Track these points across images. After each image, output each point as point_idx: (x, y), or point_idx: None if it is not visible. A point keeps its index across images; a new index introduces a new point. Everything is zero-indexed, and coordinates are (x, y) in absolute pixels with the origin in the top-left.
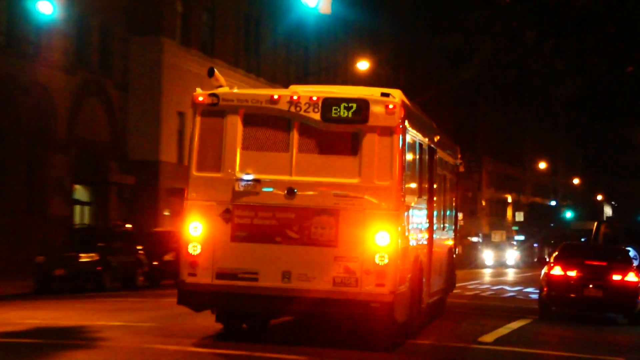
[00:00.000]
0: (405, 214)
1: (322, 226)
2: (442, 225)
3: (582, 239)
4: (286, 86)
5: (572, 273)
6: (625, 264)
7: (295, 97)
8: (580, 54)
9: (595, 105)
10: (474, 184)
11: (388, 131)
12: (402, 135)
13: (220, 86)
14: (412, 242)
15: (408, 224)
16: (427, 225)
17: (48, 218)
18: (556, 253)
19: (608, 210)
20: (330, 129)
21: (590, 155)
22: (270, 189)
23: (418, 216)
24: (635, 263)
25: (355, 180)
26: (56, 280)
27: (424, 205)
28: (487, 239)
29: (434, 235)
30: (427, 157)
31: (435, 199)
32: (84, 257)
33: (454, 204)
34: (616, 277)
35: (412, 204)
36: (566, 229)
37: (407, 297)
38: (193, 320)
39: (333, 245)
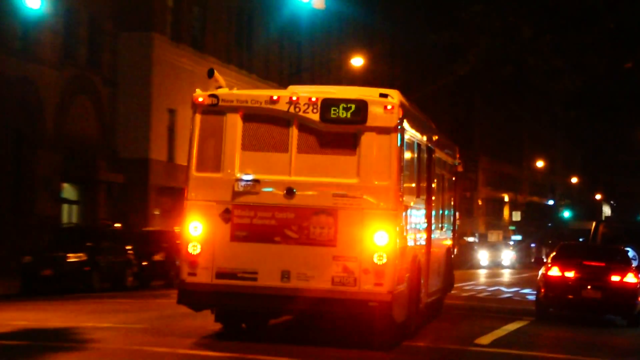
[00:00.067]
0: (404, 213)
1: (321, 226)
2: (440, 225)
3: (581, 239)
4: (279, 82)
5: (570, 274)
6: (624, 265)
7: (294, 98)
8: (579, 51)
9: (595, 103)
10: (472, 184)
11: (386, 131)
12: (401, 136)
13: (220, 87)
14: (411, 242)
15: (406, 223)
16: (426, 225)
17: (35, 217)
18: (554, 253)
19: (607, 210)
20: (329, 129)
21: (589, 153)
22: (270, 189)
23: (416, 216)
24: (634, 264)
25: (354, 180)
26: (43, 281)
27: (423, 205)
28: (483, 239)
29: (432, 235)
30: (425, 157)
31: (433, 198)
32: (72, 257)
33: (452, 204)
34: (615, 278)
35: (411, 204)
36: (564, 229)
37: (405, 297)
38: (184, 322)
39: (332, 245)
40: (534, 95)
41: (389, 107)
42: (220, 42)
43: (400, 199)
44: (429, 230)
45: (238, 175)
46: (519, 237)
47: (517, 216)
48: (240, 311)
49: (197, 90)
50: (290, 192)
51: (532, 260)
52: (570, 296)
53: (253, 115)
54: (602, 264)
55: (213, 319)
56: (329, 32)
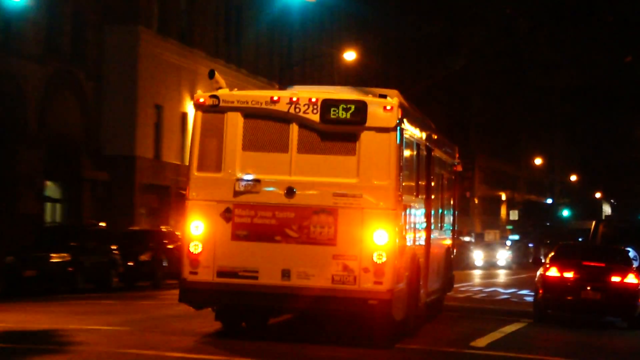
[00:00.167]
0: (403, 213)
1: (321, 225)
2: (439, 225)
3: (580, 239)
4: (269, 77)
5: (569, 274)
6: (624, 265)
7: (294, 98)
8: (577, 45)
9: (594, 99)
10: (470, 183)
11: (386, 131)
12: (400, 136)
13: (220, 87)
14: (410, 241)
15: (406, 223)
16: (425, 224)
17: (17, 216)
18: (552, 253)
19: (607, 209)
20: (329, 129)
21: (588, 151)
22: (270, 189)
23: (416, 215)
24: (635, 264)
25: (353, 180)
26: (26, 282)
27: (422, 205)
28: (480, 239)
29: (432, 235)
30: (424, 156)
31: (433, 198)
32: (55, 257)
33: (451, 204)
34: (615, 279)
35: (410, 204)
36: (563, 228)
37: (404, 295)
38: (170, 324)
39: (332, 244)
40: (531, 90)
41: (388, 107)
42: (208, 35)
43: (400, 199)
44: (428, 229)
45: (239, 175)
46: (516, 237)
47: (514, 215)
48: (240, 310)
49: (198, 91)
50: (290, 192)
51: (530, 260)
52: (569, 297)
53: (253, 116)
54: (602, 265)
55: (200, 321)
56: (320, 26)
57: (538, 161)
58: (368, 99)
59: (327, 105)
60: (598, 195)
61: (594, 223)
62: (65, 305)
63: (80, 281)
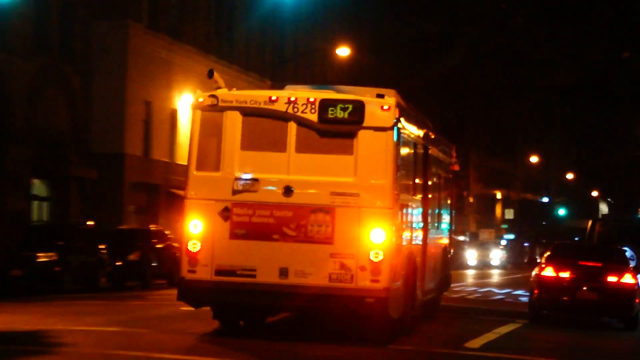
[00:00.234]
0: (400, 212)
1: (319, 224)
2: (436, 224)
3: (576, 238)
4: (261, 73)
5: (565, 274)
6: (621, 265)
7: (292, 98)
8: (574, 40)
9: (591, 97)
10: (468, 183)
11: (383, 131)
12: (397, 135)
13: (219, 87)
14: (407, 240)
15: (402, 221)
16: (422, 223)
17: (4, 214)
18: (548, 253)
19: (604, 208)
20: (327, 129)
21: (585, 149)
22: (268, 188)
23: (413, 214)
24: (632, 264)
25: (351, 179)
26: (12, 282)
27: (419, 204)
28: (475, 238)
29: (429, 234)
30: (422, 156)
31: (430, 197)
32: (42, 257)
33: (449, 203)
34: (612, 279)
35: (407, 202)
36: (559, 227)
37: (401, 294)
38: (159, 325)
39: (329, 242)
40: (527, 88)
41: (386, 107)
42: (199, 30)
43: (397, 198)
44: (425, 228)
45: (237, 174)
46: (511, 236)
47: (509, 214)
48: (238, 309)
49: (197, 91)
50: (288, 191)
51: (525, 260)
52: (565, 298)
53: (252, 115)
54: (599, 264)
55: (190, 322)
56: (313, 21)
57: (534, 159)
58: (366, 98)
59: (325, 105)
60: (595, 193)
61: (590, 222)
62: (53, 305)
63: (68, 281)
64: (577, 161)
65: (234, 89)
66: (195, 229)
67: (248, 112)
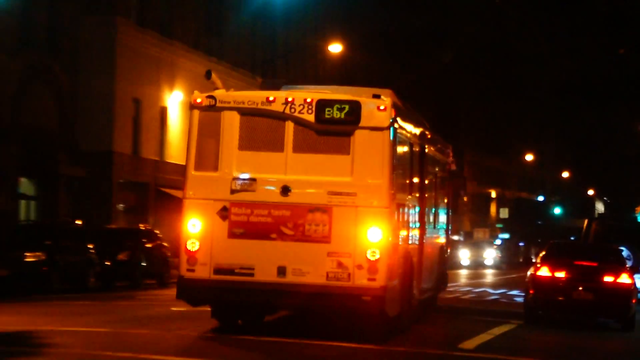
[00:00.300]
0: (397, 211)
1: (316, 223)
2: (433, 223)
3: (572, 238)
4: (251, 70)
5: (561, 274)
6: (617, 265)
7: (290, 99)
8: (568, 37)
9: (586, 94)
10: (465, 182)
11: (379, 131)
12: (393, 135)
13: (217, 88)
14: (403, 239)
15: (399, 221)
16: (418, 222)
17: None
18: (543, 252)
19: (600, 207)
20: (323, 129)
21: (581, 147)
22: (266, 187)
23: (409, 214)
24: (628, 263)
25: (347, 179)
26: None
27: (415, 203)
28: (468, 237)
29: (425, 233)
30: (418, 155)
31: (426, 196)
32: (30, 257)
33: (445, 203)
34: (608, 279)
35: (404, 202)
36: (554, 227)
37: (397, 292)
38: (148, 325)
39: (326, 241)
40: (522, 85)
41: (382, 107)
42: (188, 27)
43: (393, 197)
44: (422, 227)
45: (235, 174)
46: (506, 235)
47: (504, 213)
48: (237, 307)
49: (195, 92)
50: (285, 190)
51: (521, 259)
52: (560, 298)
53: (250, 116)
54: (595, 264)
55: (180, 323)
56: (304, 17)
57: (529, 157)
58: (362, 99)
59: (322, 105)
60: (591, 192)
61: (586, 221)
62: (40, 306)
63: (56, 281)
64: (573, 159)
65: (232, 89)
66: (193, 228)
67: (246, 113)
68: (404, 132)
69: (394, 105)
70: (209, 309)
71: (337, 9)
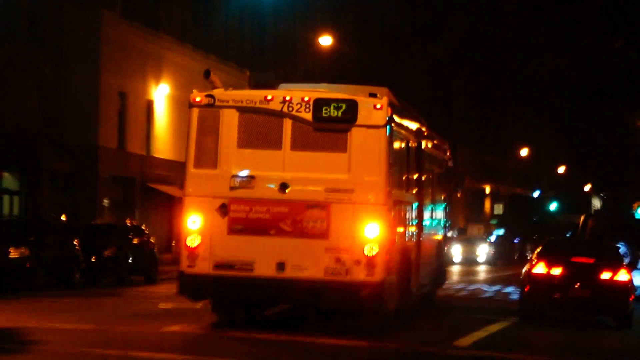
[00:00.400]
0: (394, 207)
1: (314, 219)
2: (430, 220)
3: (568, 234)
4: (239, 64)
5: (557, 271)
6: (615, 262)
7: (287, 97)
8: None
9: (583, 88)
10: (462, 180)
11: (375, 129)
12: (389, 133)
13: (216, 87)
14: (401, 235)
15: (396, 217)
16: (416, 218)
17: None
18: (539, 249)
19: (596, 203)
20: (321, 127)
21: (577, 142)
22: (264, 185)
23: (406, 210)
24: (626, 260)
25: (345, 176)
26: None
27: (412, 199)
28: (462, 233)
29: (423, 229)
30: (415, 152)
31: (423, 193)
32: (14, 252)
33: (442, 199)
34: (605, 276)
35: (401, 198)
36: (550, 223)
37: (395, 287)
38: (135, 322)
39: (325, 237)
40: (517, 79)
41: (378, 106)
42: (175, 19)
43: (390, 194)
44: (419, 224)
45: (234, 171)
46: (501, 232)
47: (499, 209)
48: (236, 302)
49: (194, 90)
50: (284, 187)
51: (516, 256)
52: (556, 295)
53: (248, 114)
54: (591, 261)
55: (166, 320)
56: (294, 10)
57: (524, 152)
58: (359, 98)
59: (319, 104)
60: (587, 188)
61: (582, 217)
62: (25, 302)
63: (40, 277)
64: (569, 154)
65: (230, 88)
66: (194, 225)
67: (244, 111)
68: (400, 129)
69: (390, 104)
70: (198, 306)
71: (327, 1)
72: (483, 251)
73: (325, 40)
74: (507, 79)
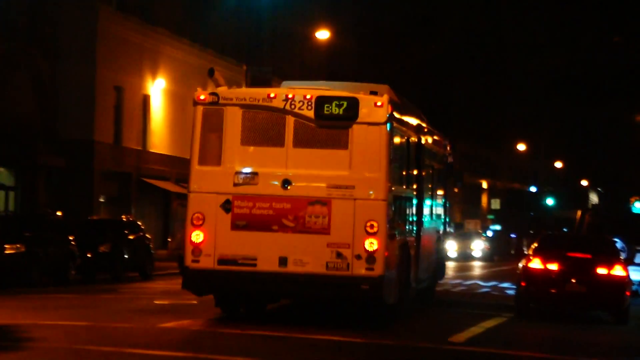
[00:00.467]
0: (394, 203)
1: (316, 215)
2: (430, 215)
3: (565, 229)
4: (237, 57)
5: (553, 266)
6: (611, 257)
7: (290, 95)
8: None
9: (580, 83)
10: (461, 176)
11: (376, 126)
12: (390, 130)
13: (220, 85)
14: (401, 230)
15: (396, 212)
16: (415, 214)
17: None
18: (535, 244)
19: (593, 198)
20: (323, 124)
21: (574, 136)
22: (267, 181)
23: (406, 205)
24: (622, 255)
25: (346, 172)
26: None
27: (412, 195)
28: (459, 229)
29: (422, 224)
30: (415, 149)
31: (423, 189)
32: (9, 249)
33: (442, 194)
34: (601, 271)
35: (401, 194)
36: (547, 218)
37: (395, 281)
38: (131, 319)
39: (326, 233)
40: (514, 73)
41: (379, 103)
42: (171, 13)
43: (390, 190)
44: (419, 219)
45: (238, 168)
46: (498, 227)
47: (496, 204)
48: (239, 296)
49: (198, 88)
50: (286, 184)
51: (512, 251)
52: (553, 290)
53: (251, 112)
54: (588, 256)
55: (163, 316)
56: (291, 3)
57: (521, 147)
58: (360, 95)
59: (321, 101)
60: (584, 183)
61: (579, 212)
62: (20, 299)
63: (36, 274)
64: (566, 149)
65: (234, 86)
66: (198, 221)
67: (247, 109)
68: (400, 126)
69: (391, 102)
70: (194, 302)
71: None
72: (478, 247)
73: (323, 35)
74: (504, 74)
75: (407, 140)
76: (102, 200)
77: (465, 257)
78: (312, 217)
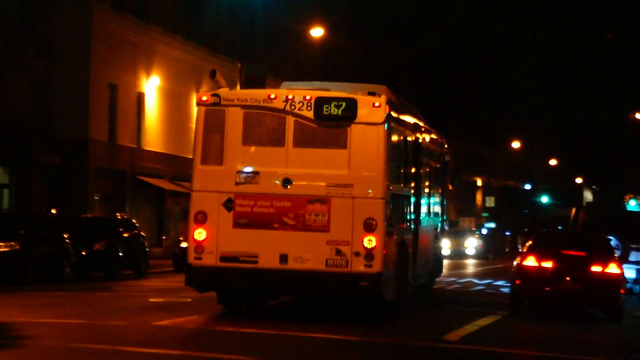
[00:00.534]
0: (392, 201)
1: (316, 213)
2: (428, 213)
3: (559, 227)
4: (231, 55)
5: (548, 264)
6: (606, 254)
7: (290, 96)
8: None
9: (575, 80)
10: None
11: (374, 126)
12: (388, 130)
13: (221, 87)
14: (399, 228)
15: (394, 210)
16: (413, 212)
17: None
18: (530, 242)
19: (588, 195)
20: (322, 124)
21: (569, 134)
22: (268, 180)
23: (404, 204)
24: (617, 253)
25: (345, 171)
26: None
27: (410, 193)
28: (452, 226)
29: (420, 222)
30: (412, 148)
31: (421, 187)
32: (3, 247)
33: (440, 193)
34: (596, 269)
35: (398, 192)
36: (541, 216)
37: (393, 278)
38: (125, 317)
39: (325, 230)
40: (509, 71)
41: (377, 104)
42: (165, 10)
43: (388, 188)
44: (416, 217)
45: (239, 167)
46: (492, 225)
47: (490, 202)
48: (241, 293)
49: (200, 90)
50: (287, 183)
51: (507, 249)
52: (547, 288)
53: (252, 112)
54: (583, 254)
55: (156, 314)
56: (285, 0)
57: (516, 145)
58: (358, 96)
59: (320, 102)
60: (579, 180)
61: (574, 210)
62: (14, 297)
63: (30, 272)
64: (561, 147)
65: (236, 87)
66: (200, 219)
67: (248, 110)
68: (398, 126)
69: (388, 102)
70: (189, 300)
71: None
72: (472, 244)
73: (317, 32)
74: (501, 73)
75: (405, 139)
76: (96, 198)
77: (458, 254)
78: (311, 215)
